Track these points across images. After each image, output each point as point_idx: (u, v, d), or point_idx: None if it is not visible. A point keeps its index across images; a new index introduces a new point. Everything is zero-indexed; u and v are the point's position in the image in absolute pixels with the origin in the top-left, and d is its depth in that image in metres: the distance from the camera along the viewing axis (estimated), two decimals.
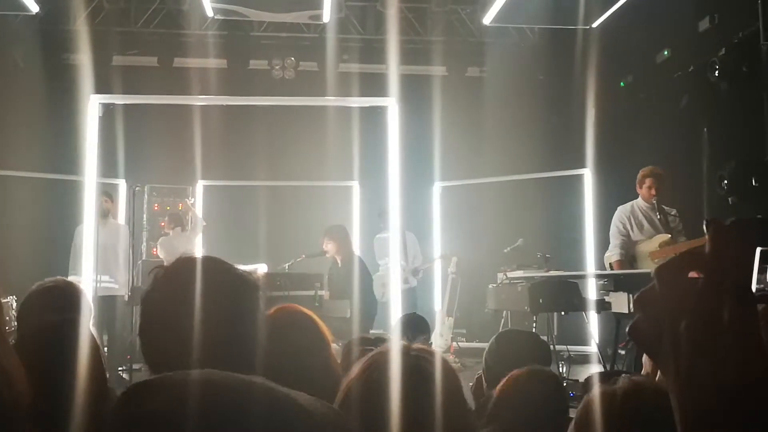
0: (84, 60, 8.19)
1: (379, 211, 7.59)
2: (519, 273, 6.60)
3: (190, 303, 1.33)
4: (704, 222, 0.56)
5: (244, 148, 9.12)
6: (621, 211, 5.73)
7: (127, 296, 6.83)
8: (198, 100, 8.27)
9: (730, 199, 5.63)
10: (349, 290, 5.97)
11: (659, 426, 0.95)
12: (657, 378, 1.66)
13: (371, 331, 5.85)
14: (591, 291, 6.77)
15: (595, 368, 6.81)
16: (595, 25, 8.03)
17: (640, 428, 1.20)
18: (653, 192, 5.59)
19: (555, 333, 6.84)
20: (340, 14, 8.69)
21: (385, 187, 6.49)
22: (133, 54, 9.19)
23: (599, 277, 6.20)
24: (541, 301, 5.66)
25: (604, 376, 1.48)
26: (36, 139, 8.21)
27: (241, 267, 1.51)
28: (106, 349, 6.31)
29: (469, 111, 9.11)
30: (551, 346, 4.51)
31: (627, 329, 0.61)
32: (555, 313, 6.63)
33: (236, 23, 8.93)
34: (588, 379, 1.99)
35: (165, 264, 1.50)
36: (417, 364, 1.24)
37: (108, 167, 7.44)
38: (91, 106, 6.29)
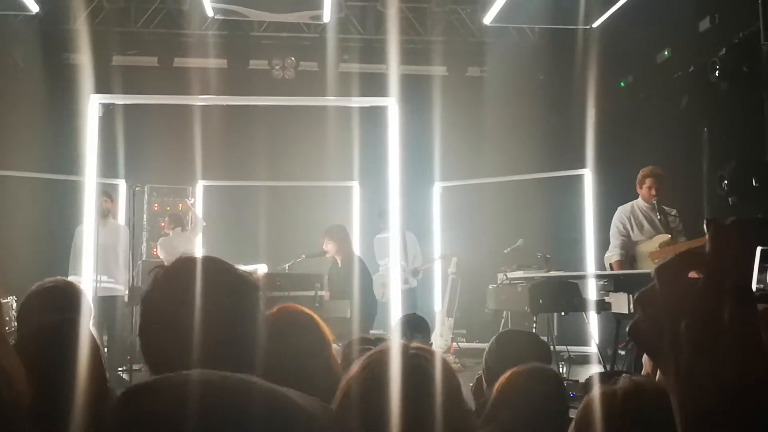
0: (84, 60, 8.19)
1: (379, 211, 7.59)
2: (519, 273, 6.60)
3: (190, 303, 1.33)
4: (704, 222, 0.56)
5: (244, 148, 9.12)
6: (621, 212, 5.73)
7: (126, 296, 6.83)
8: (198, 100, 8.27)
9: (730, 199, 5.63)
10: (349, 290, 5.97)
11: (659, 426, 0.95)
12: (657, 378, 1.66)
13: (371, 332, 5.85)
14: (591, 291, 6.77)
15: (595, 368, 6.81)
16: (595, 25, 8.03)
17: (641, 428, 1.20)
18: (653, 192, 5.59)
19: (555, 333, 6.84)
20: (341, 14, 8.70)
21: (385, 187, 6.49)
22: (133, 54, 9.19)
23: (599, 277, 6.20)
24: (541, 301, 5.66)
25: (604, 377, 1.48)
26: (36, 139, 8.21)
27: (241, 267, 1.51)
28: (106, 349, 6.31)
29: (469, 111, 9.11)
30: (551, 347, 4.51)
31: (627, 329, 0.61)
32: (555, 314, 6.63)
33: (236, 23, 8.93)
34: (588, 380, 1.99)
35: (165, 264, 1.50)
36: (416, 363, 1.24)
37: (108, 167, 7.44)
38: (91, 106, 6.29)
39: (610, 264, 5.67)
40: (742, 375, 0.52)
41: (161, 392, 0.76)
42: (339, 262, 6.34)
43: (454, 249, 8.59)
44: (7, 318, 4.66)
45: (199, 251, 7.28)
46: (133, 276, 6.72)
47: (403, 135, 6.48)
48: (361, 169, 8.88)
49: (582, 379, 5.34)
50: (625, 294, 5.13)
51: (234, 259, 1.62)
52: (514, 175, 8.83)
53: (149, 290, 1.45)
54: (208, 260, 1.46)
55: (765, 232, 0.65)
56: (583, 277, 6.63)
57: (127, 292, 6.81)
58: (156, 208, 9.18)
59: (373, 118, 6.83)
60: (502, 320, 7.35)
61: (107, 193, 7.09)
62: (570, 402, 2.23)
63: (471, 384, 2.55)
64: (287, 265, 6.70)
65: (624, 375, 1.30)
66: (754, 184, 5.49)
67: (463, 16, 9.16)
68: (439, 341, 7.70)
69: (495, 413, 1.97)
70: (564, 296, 5.73)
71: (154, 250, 8.38)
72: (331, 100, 8.77)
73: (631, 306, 4.99)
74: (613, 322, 5.63)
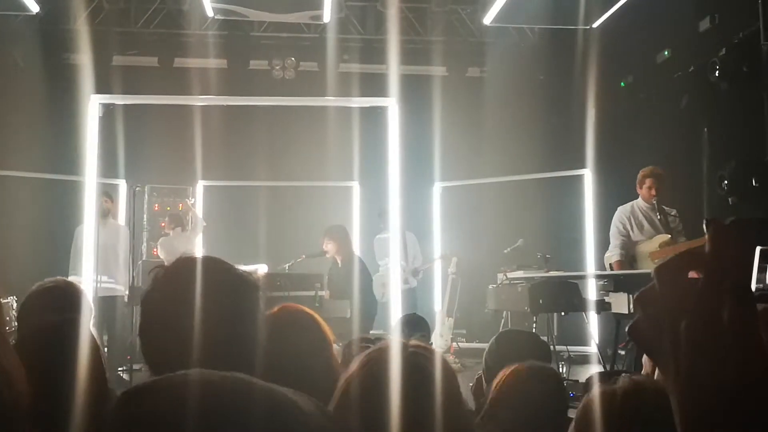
0: (84, 60, 8.19)
1: (379, 212, 7.59)
2: (519, 273, 6.60)
3: (190, 303, 1.33)
4: (704, 222, 0.56)
5: (244, 148, 9.12)
6: (621, 212, 5.73)
7: (126, 296, 6.83)
8: (198, 101, 8.27)
9: (730, 199, 5.63)
10: (349, 290, 5.97)
11: (659, 426, 0.95)
12: (656, 378, 1.66)
13: (371, 332, 5.85)
14: (591, 291, 6.77)
15: (595, 368, 6.81)
16: (595, 25, 8.03)
17: (640, 428, 1.20)
18: (653, 192, 5.59)
19: (555, 333, 6.84)
20: (341, 14, 8.70)
21: (385, 188, 6.49)
22: (133, 54, 9.19)
23: (599, 277, 6.20)
24: (541, 301, 5.66)
25: (604, 376, 1.48)
26: (36, 139, 8.21)
27: (242, 267, 1.51)
28: (106, 349, 6.31)
29: (469, 111, 9.11)
30: (551, 347, 4.51)
31: (627, 329, 0.61)
32: (555, 314, 6.63)
33: (236, 23, 8.93)
34: (588, 379, 1.99)
35: (165, 264, 1.50)
36: (415, 361, 1.24)
37: (108, 167, 7.44)
38: (91, 106, 6.29)
39: (610, 264, 5.66)
40: (742, 375, 0.52)
41: (161, 392, 0.76)
42: (339, 262, 6.34)
43: (454, 249, 8.59)
44: (7, 318, 4.66)
45: (199, 251, 7.27)
46: (133, 276, 6.72)
47: (403, 135, 6.48)
48: (361, 169, 8.88)
49: (582, 379, 5.34)
50: (625, 294, 5.13)
51: (234, 259, 1.62)
52: (514, 175, 8.83)
53: (149, 290, 1.45)
54: (208, 260, 1.46)
55: (765, 232, 0.65)
56: (583, 277, 6.64)
57: (127, 292, 6.82)
58: (156, 208, 9.18)
59: (373, 118, 6.83)
60: (502, 320, 7.35)
61: (107, 193, 7.10)
62: (570, 402, 2.23)
63: (471, 384, 2.55)
64: (287, 265, 6.70)
65: (624, 375, 1.30)
66: (754, 184, 5.49)
67: (463, 16, 9.16)
68: (439, 341, 7.71)
69: (494, 412, 1.97)
70: (564, 296, 5.73)
71: (154, 250, 8.38)
72: (331, 101, 8.77)
73: (631, 306, 4.99)
74: (613, 322, 5.63)
